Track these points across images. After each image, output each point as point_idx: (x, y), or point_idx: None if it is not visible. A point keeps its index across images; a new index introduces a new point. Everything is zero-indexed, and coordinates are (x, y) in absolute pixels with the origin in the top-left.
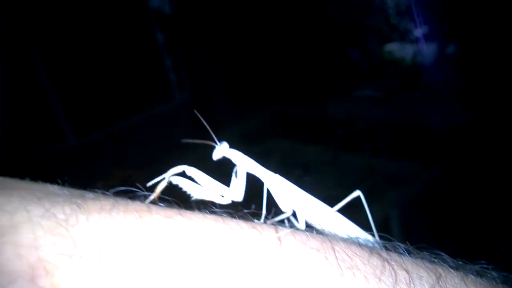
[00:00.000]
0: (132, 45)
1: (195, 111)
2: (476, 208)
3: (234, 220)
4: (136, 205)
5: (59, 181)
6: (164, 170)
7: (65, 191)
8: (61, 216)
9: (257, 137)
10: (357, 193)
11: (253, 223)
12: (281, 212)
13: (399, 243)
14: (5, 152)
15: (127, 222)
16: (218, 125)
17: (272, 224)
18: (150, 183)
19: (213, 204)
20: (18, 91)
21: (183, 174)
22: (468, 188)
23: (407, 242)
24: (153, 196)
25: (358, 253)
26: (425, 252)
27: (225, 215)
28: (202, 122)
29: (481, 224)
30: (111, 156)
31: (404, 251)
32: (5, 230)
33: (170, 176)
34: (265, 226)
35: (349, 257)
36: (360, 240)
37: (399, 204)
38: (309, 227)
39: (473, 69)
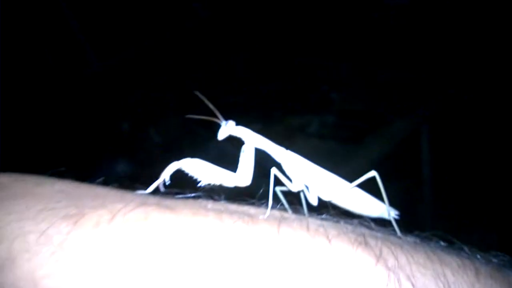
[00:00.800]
0: None
1: (197, 93)
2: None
3: (226, 215)
4: (135, 214)
5: (63, 169)
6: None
7: (65, 197)
8: (57, 239)
9: (285, 52)
10: (373, 173)
11: (249, 219)
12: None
13: (407, 236)
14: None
15: (123, 238)
16: (241, 41)
17: (278, 210)
18: (150, 188)
19: (222, 189)
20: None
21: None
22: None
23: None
24: (157, 183)
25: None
26: (437, 243)
27: (222, 207)
28: (206, 102)
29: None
30: (137, 78)
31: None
32: (3, 263)
33: (170, 173)
34: (262, 221)
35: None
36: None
37: (429, 119)
38: (322, 203)
39: None
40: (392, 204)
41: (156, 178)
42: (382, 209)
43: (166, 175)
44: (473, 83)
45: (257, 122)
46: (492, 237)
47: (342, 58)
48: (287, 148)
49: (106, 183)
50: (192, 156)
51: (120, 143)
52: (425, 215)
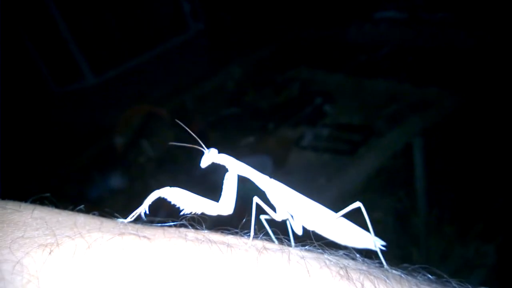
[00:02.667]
0: None
1: (177, 121)
2: (501, 136)
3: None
4: (112, 243)
5: (47, 199)
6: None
7: (43, 224)
8: (32, 268)
9: (276, 66)
10: (358, 204)
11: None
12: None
13: (394, 270)
14: (25, 93)
15: (99, 268)
16: (235, 55)
17: (261, 240)
18: (130, 217)
19: (203, 218)
20: (34, 33)
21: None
22: (493, 113)
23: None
24: (138, 211)
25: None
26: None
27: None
28: (188, 130)
29: (506, 153)
30: (129, 92)
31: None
32: None
33: (151, 201)
34: (243, 252)
35: None
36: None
37: (422, 131)
38: (307, 233)
39: None
40: (386, 215)
41: (148, 193)
42: (368, 240)
43: (147, 203)
44: (468, 95)
45: (252, 134)
46: (489, 249)
47: (335, 70)
48: (270, 176)
49: (87, 211)
50: (179, 182)
51: (114, 157)
52: (419, 226)
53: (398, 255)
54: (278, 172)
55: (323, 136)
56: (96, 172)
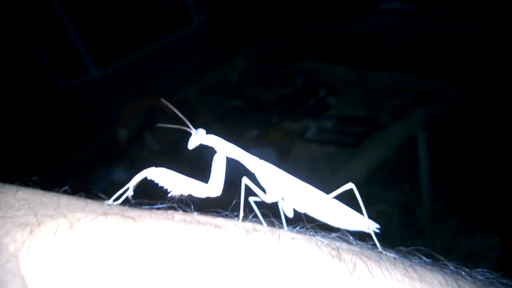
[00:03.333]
0: None
1: (163, 100)
2: (506, 128)
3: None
4: (95, 223)
5: (33, 180)
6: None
7: (26, 205)
8: (11, 248)
9: (280, 58)
10: (350, 185)
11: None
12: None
13: (388, 252)
14: (28, 87)
15: (81, 248)
16: (240, 47)
17: (251, 222)
18: (115, 197)
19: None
20: (37, 27)
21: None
22: (497, 104)
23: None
24: (126, 194)
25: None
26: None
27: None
28: (176, 111)
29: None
30: (133, 85)
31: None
32: None
33: (136, 182)
34: (232, 232)
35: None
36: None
37: (426, 124)
38: (299, 215)
39: None
40: (391, 208)
41: (149, 187)
42: (362, 223)
43: (132, 184)
44: (471, 88)
45: (256, 127)
46: (494, 241)
47: (339, 62)
48: (260, 158)
49: (74, 192)
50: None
51: (117, 150)
52: (423, 219)
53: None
54: (282, 164)
55: (327, 129)
56: (100, 165)
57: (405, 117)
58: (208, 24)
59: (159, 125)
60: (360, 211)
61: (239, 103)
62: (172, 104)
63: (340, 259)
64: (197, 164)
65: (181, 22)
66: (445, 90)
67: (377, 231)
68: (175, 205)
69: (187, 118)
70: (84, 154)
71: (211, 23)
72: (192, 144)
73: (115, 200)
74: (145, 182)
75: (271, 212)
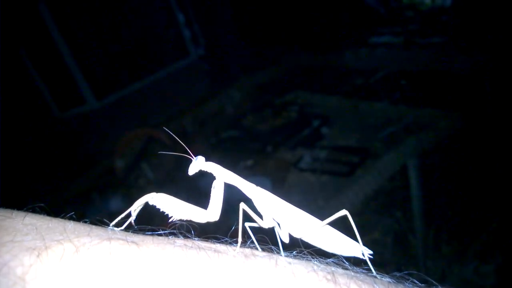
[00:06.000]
0: (145, 5)
1: (165, 128)
2: (495, 156)
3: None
4: (100, 248)
5: (39, 206)
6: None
7: (34, 230)
8: (19, 271)
9: (275, 89)
10: (344, 212)
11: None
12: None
13: (382, 276)
14: (28, 118)
15: (86, 272)
16: (235, 78)
17: (249, 248)
18: (115, 221)
19: (192, 225)
20: (37, 59)
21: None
22: (488, 135)
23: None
24: (129, 220)
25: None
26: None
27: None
28: (176, 138)
29: (502, 171)
30: (131, 116)
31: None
32: None
33: (138, 207)
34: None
35: None
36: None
37: (418, 153)
38: (296, 241)
39: (497, 10)
40: (385, 236)
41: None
42: (355, 248)
43: (134, 208)
44: (461, 118)
45: (251, 156)
46: (488, 269)
47: (332, 93)
48: (257, 184)
49: (79, 218)
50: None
51: (114, 180)
52: (417, 247)
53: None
54: (277, 193)
55: (321, 158)
56: (97, 194)
57: (397, 147)
58: (205, 56)
59: (160, 152)
60: (353, 237)
61: (235, 133)
62: (169, 134)
63: (335, 282)
64: (193, 194)
65: (178, 55)
66: (436, 120)
67: (371, 257)
68: (176, 231)
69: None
70: (81, 184)
71: (208, 56)
72: (192, 170)
73: (117, 225)
74: (147, 209)
75: (267, 238)
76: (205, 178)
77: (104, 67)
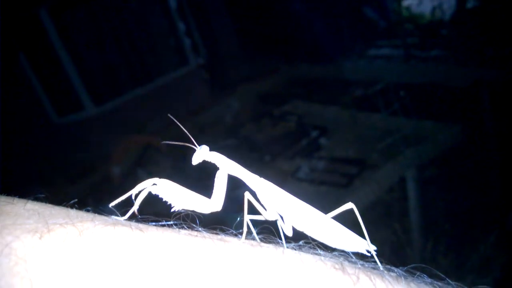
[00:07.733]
0: (145, 13)
1: (170, 116)
2: (494, 168)
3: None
4: (103, 231)
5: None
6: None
7: (35, 214)
8: (20, 252)
9: (274, 99)
10: (350, 205)
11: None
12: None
13: (390, 269)
14: (26, 124)
15: (90, 254)
16: (234, 88)
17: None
18: (115, 202)
19: (195, 214)
20: (36, 64)
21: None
22: (487, 148)
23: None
24: (132, 210)
25: None
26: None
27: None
28: (179, 125)
29: (500, 184)
30: (130, 123)
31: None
32: None
33: (139, 191)
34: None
35: None
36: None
37: (416, 165)
38: (300, 234)
39: (495, 24)
40: (382, 247)
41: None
42: (359, 244)
43: (135, 191)
44: (460, 130)
45: (249, 166)
46: (486, 282)
47: (331, 104)
48: (260, 175)
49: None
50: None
51: (111, 187)
52: (415, 259)
53: None
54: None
55: (319, 169)
56: (94, 202)
57: (395, 158)
58: (204, 65)
59: (164, 142)
60: (358, 232)
61: (233, 142)
62: (166, 141)
63: (343, 271)
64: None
65: (178, 63)
66: (434, 132)
67: (375, 252)
68: (180, 222)
69: (181, 155)
70: (78, 190)
71: (207, 65)
72: (195, 159)
73: (118, 205)
74: (149, 199)
75: (271, 230)
76: (213, 166)
77: (103, 73)
